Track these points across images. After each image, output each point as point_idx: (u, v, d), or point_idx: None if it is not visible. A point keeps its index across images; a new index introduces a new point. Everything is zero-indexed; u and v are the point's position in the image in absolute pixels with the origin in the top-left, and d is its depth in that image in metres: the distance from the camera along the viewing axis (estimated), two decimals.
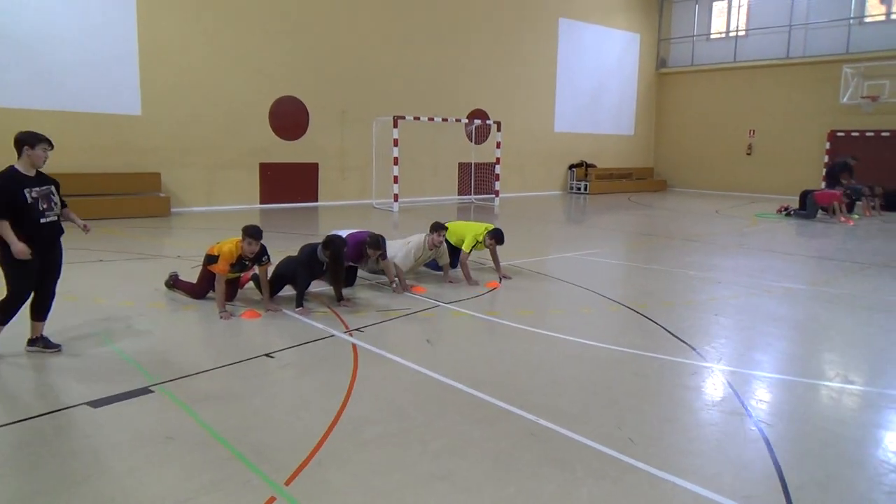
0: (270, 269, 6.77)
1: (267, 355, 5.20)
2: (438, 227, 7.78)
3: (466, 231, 8.29)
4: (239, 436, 3.78)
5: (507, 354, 5.41)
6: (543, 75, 22.32)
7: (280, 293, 7.04)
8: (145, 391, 4.41)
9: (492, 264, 8.49)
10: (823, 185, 18.58)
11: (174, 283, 7.17)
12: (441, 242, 7.80)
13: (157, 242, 11.23)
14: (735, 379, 4.93)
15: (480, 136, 20.49)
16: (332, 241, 6.58)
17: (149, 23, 14.40)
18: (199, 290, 6.89)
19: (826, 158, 21.46)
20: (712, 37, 24.98)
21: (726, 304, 7.22)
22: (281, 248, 9.37)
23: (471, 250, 8.14)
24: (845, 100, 20.65)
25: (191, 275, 7.40)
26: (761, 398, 4.57)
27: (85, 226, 5.30)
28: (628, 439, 3.86)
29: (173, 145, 15.08)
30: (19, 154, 4.88)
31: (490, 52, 20.52)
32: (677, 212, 17.88)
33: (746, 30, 23.83)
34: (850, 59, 20.79)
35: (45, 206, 4.91)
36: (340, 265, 6.67)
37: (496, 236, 8.18)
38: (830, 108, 21.43)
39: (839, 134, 21.47)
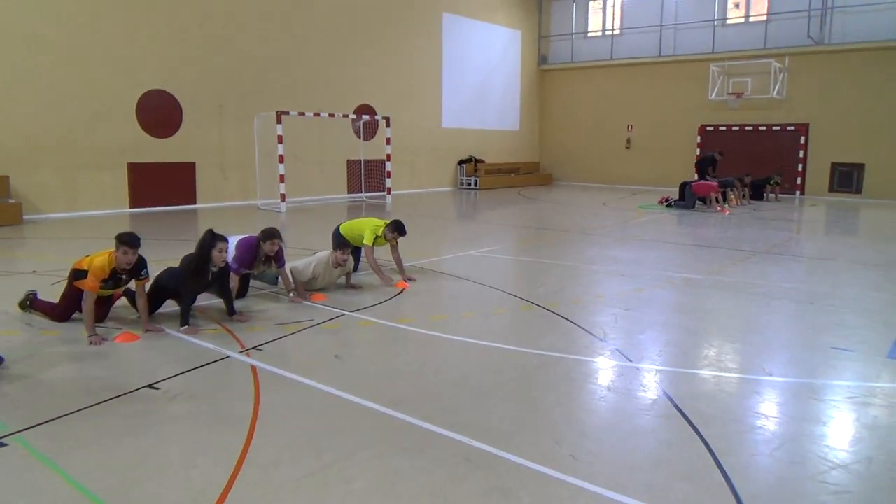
0: (149, 284, 5.94)
1: (150, 386, 4.47)
2: (342, 245, 7.23)
3: (364, 226, 7.79)
4: (122, 493, 3.11)
5: (426, 367, 4.99)
6: (430, 70, 22.06)
7: (160, 310, 6.24)
8: None
9: (392, 265, 8.04)
10: (696, 176, 19.63)
11: (32, 303, 6.16)
12: (346, 260, 7.23)
13: (5, 256, 9.81)
14: (661, 377, 4.80)
15: (369, 132, 19.92)
16: (203, 237, 5.84)
17: None
18: (62, 310, 5.94)
19: (698, 151, 22.70)
20: (590, 35, 25.76)
21: (634, 298, 7.19)
22: (158, 258, 8.43)
23: (374, 244, 7.64)
24: (713, 96, 21.90)
25: (50, 293, 6.41)
26: (690, 397, 4.43)
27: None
28: (570, 456, 3.56)
29: (23, 143, 13.37)
30: None
31: (376, 45, 19.97)
32: (567, 205, 18.20)
33: (621, 29, 24.76)
34: (715, 59, 22.07)
35: None
36: (205, 264, 5.78)
37: (398, 228, 7.73)
38: (700, 104, 22.66)
39: (709, 128, 22.78)
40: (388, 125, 18.29)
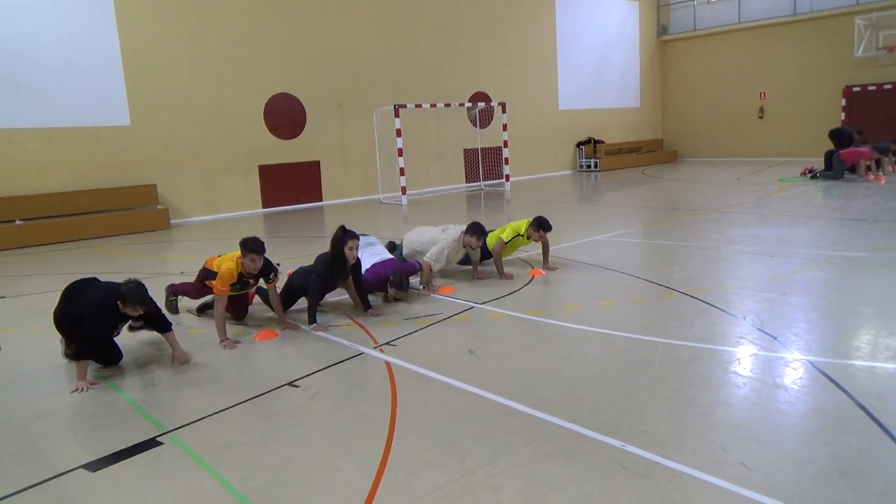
0: (280, 284, 6.06)
1: (290, 384, 4.52)
2: (479, 232, 6.98)
3: (507, 226, 7.56)
4: (270, 497, 3.10)
5: (565, 362, 4.71)
6: (543, 52, 21.49)
7: (294, 307, 6.36)
8: (153, 443, 3.74)
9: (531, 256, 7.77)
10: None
11: (173, 291, 6.51)
12: (478, 247, 7.09)
13: (156, 259, 10.53)
14: (836, 372, 4.22)
15: (484, 120, 19.72)
16: (335, 234, 5.87)
17: (130, 30, 13.62)
18: (198, 291, 6.19)
19: (843, 116, 20.65)
20: None
21: (790, 281, 6.50)
22: (290, 255, 8.69)
23: (509, 241, 7.40)
24: (860, 53, 19.80)
25: None
26: (876, 395, 3.84)
27: (175, 358, 5.06)
28: (741, 465, 3.16)
29: (167, 154, 14.35)
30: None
31: (487, 32, 19.69)
32: (696, 182, 17.11)
33: None
34: (861, 11, 19.92)
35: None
36: (341, 262, 5.83)
37: (542, 224, 7.40)
38: (844, 63, 20.57)
39: (855, 89, 20.62)
40: (503, 111, 18.00)
